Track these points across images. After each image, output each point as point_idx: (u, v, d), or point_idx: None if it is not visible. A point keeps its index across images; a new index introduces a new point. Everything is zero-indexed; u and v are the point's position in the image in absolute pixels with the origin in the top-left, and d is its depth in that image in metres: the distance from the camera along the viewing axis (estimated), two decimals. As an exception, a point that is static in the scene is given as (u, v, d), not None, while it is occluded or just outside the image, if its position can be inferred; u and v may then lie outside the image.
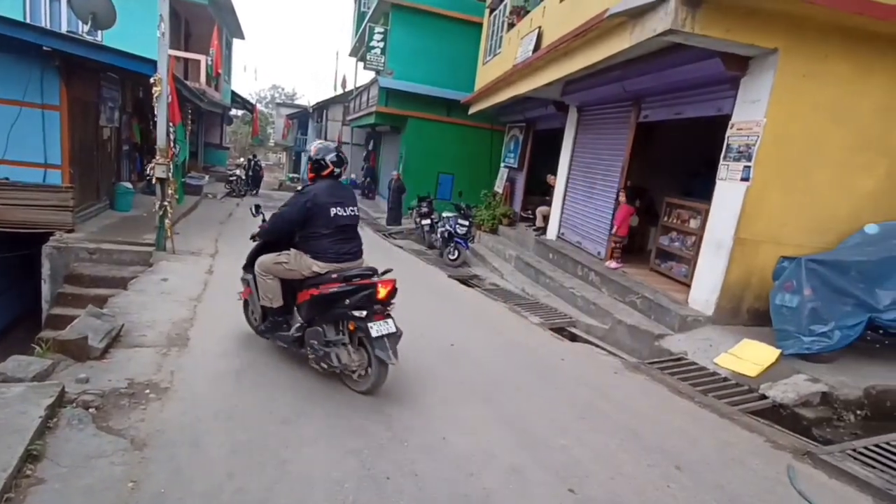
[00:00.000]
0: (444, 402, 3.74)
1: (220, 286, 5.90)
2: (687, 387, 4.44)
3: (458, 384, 4.12)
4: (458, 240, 10.30)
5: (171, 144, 7.33)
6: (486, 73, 12.42)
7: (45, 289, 7.46)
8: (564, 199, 9.73)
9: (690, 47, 5.27)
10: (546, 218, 10.56)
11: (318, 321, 3.66)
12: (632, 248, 8.12)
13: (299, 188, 4.42)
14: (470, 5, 15.67)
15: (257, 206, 4.49)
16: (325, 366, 3.65)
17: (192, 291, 5.72)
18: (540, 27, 8.37)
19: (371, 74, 18.75)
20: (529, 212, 11.91)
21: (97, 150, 9.46)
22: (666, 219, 7.28)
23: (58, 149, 7.67)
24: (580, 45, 6.61)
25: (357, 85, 22.20)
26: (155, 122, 7.34)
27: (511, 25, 10.50)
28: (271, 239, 3.94)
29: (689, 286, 6.46)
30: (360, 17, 21.07)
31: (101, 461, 2.49)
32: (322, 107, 28.93)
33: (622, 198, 7.42)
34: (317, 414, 3.32)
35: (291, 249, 3.77)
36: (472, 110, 13.78)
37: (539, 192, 11.95)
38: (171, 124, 7.24)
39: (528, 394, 4.07)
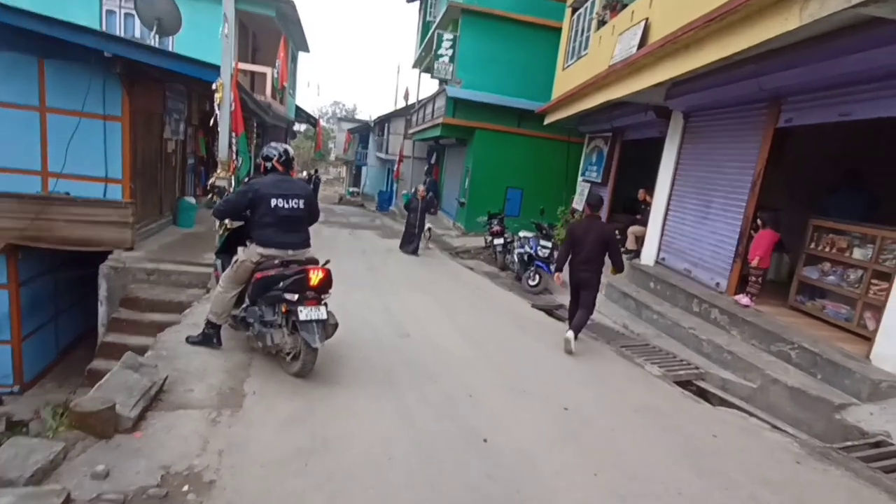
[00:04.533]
0: (583, 513, 2.64)
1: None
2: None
3: (592, 477, 3.00)
4: (539, 263, 9.18)
5: (234, 156, 6.70)
6: (566, 79, 11.30)
7: (102, 312, 7.01)
8: (665, 218, 8.41)
9: (886, 24, 3.98)
10: (640, 239, 9.25)
11: (259, 303, 3.92)
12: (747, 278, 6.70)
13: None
14: (546, 7, 14.66)
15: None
16: (261, 344, 3.96)
17: (250, 326, 4.92)
18: (646, 19, 7.19)
19: (436, 85, 18.05)
20: (616, 232, 10.59)
21: (161, 164, 9.07)
22: (813, 245, 5.87)
23: (119, 162, 7.23)
24: (713, 32, 5.40)
25: (419, 97, 21.61)
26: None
27: (602, 23, 9.36)
28: (221, 217, 4.38)
29: (853, 333, 5.08)
30: (426, 27, 20.51)
31: None
32: (383, 120, 28.68)
33: (760, 222, 6.07)
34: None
35: (246, 244, 4.07)
36: (547, 120, 12.66)
37: (626, 209, 10.65)
38: (233, 134, 6.61)
39: (694, 500, 2.89)
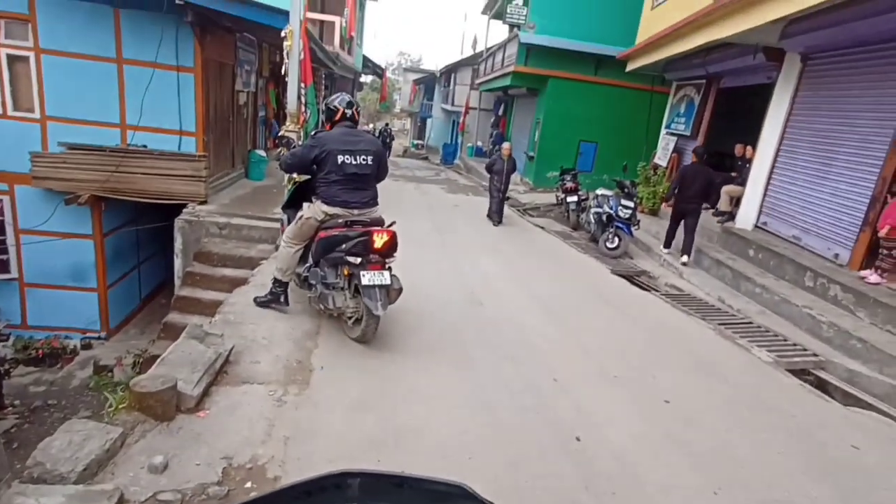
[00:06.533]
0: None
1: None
2: None
3: (712, 497, 2.52)
4: (620, 224, 8.42)
5: (303, 108, 6.40)
6: (655, 20, 10.02)
7: (177, 265, 7.15)
8: (770, 177, 7.37)
9: None
10: (735, 200, 8.27)
11: (322, 263, 3.75)
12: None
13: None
14: (633, -62, 13.07)
15: (287, 141, 4.80)
16: (323, 306, 3.78)
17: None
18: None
19: (506, 32, 16.88)
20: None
21: (233, 116, 9.00)
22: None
23: (192, 114, 7.19)
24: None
25: (487, 45, 20.40)
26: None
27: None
28: (287, 171, 4.14)
29: None
30: (497, -34, 19.08)
31: None
32: (449, 70, 27.64)
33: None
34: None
35: (312, 200, 3.84)
36: (630, 67, 11.42)
37: (715, 166, 9.51)
38: (302, 85, 6.29)
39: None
